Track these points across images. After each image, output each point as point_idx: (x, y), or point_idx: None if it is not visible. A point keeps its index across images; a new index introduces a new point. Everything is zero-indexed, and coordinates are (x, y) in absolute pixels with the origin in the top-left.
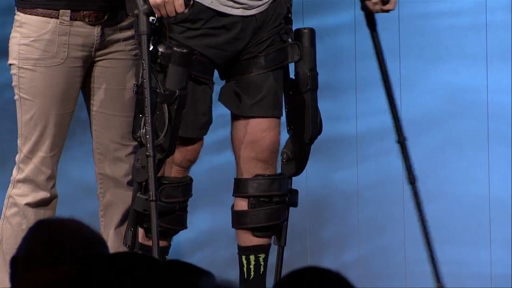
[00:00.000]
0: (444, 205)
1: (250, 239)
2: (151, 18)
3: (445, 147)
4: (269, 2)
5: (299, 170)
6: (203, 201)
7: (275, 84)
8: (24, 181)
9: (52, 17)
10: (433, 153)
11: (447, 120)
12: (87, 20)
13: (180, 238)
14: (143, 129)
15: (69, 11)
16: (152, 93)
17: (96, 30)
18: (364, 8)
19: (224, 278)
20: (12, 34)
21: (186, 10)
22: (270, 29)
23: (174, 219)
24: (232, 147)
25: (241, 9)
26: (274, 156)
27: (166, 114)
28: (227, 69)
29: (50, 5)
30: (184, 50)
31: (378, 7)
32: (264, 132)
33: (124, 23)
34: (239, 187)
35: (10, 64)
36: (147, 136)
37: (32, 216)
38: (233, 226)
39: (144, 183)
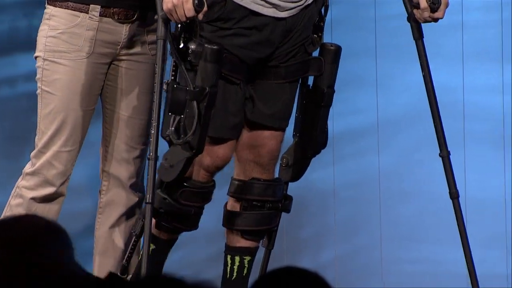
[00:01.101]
0: (421, 204)
1: (238, 240)
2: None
3: (422, 147)
4: (301, 7)
5: (297, 177)
6: None
7: (290, 96)
8: (33, 174)
9: (82, 11)
10: (410, 152)
11: (424, 120)
12: (116, 18)
13: None
14: (172, 128)
15: (99, 6)
16: (182, 92)
17: (124, 29)
18: (411, 18)
19: (203, 279)
20: (41, 27)
21: (201, 16)
22: (297, 38)
23: (187, 220)
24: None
25: (272, 10)
26: (273, 162)
27: (196, 111)
28: (250, 72)
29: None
30: (215, 47)
31: (426, 14)
32: (265, 139)
33: (152, 26)
34: (234, 187)
35: (36, 57)
36: (151, 139)
37: (36, 211)
38: (223, 225)
39: (165, 182)
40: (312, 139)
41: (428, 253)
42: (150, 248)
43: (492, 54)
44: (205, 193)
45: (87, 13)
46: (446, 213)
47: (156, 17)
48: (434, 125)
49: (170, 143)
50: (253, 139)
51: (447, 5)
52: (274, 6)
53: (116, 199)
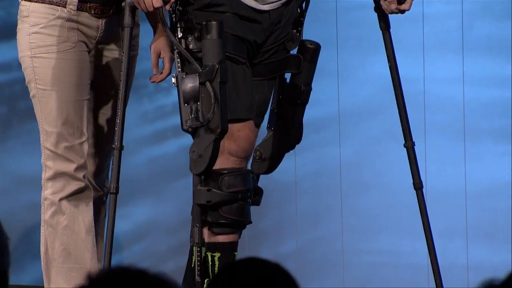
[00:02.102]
0: (381, 195)
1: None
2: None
3: (383, 138)
4: (282, 1)
5: (269, 170)
6: (141, 193)
7: (267, 93)
8: (54, 177)
9: (59, 5)
10: (371, 143)
11: (384, 111)
12: (92, 12)
13: (118, 230)
14: (192, 115)
15: (76, 0)
16: (192, 79)
17: (100, 23)
18: (378, 8)
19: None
20: (19, 26)
21: (167, 7)
22: (279, 37)
23: (238, 209)
24: None
25: (254, 2)
26: (246, 153)
27: (211, 91)
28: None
29: None
30: (214, 22)
31: (393, 6)
32: (239, 131)
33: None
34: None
35: (21, 58)
36: (116, 129)
37: (70, 211)
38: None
39: (202, 175)
40: (288, 135)
41: (389, 244)
42: (216, 257)
43: (453, 45)
44: (243, 174)
45: (65, 7)
46: (406, 204)
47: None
48: (400, 116)
49: (194, 132)
50: (231, 134)
51: None
52: None
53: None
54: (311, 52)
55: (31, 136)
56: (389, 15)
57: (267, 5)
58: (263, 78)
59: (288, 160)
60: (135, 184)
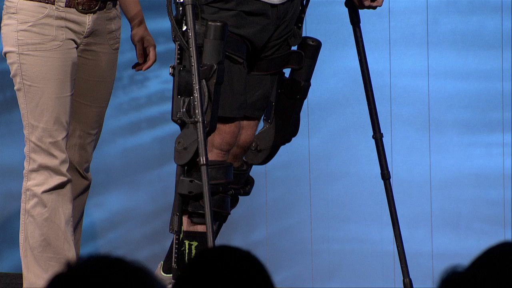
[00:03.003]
0: (349, 184)
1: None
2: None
3: (350, 129)
4: None
5: (265, 161)
6: (116, 182)
7: (269, 88)
8: (38, 169)
9: (48, 3)
10: (338, 134)
11: (352, 103)
12: (80, 8)
13: (94, 218)
14: (183, 109)
15: None
16: (189, 73)
17: (88, 19)
18: (349, 4)
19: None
20: (6, 22)
21: None
22: (283, 32)
23: (219, 201)
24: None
25: None
26: (243, 151)
27: (206, 90)
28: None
29: None
30: (219, 23)
31: (367, 3)
32: (242, 129)
33: (111, 15)
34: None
35: (7, 53)
36: (195, 103)
37: (52, 203)
38: None
39: (186, 166)
40: (285, 129)
41: (356, 232)
42: (193, 245)
43: (418, 39)
44: (226, 168)
45: (53, 4)
46: (373, 193)
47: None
48: (369, 108)
49: (182, 125)
50: (216, 128)
51: None
52: None
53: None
54: (313, 49)
55: (9, 127)
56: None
57: None
58: (266, 73)
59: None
60: (110, 173)
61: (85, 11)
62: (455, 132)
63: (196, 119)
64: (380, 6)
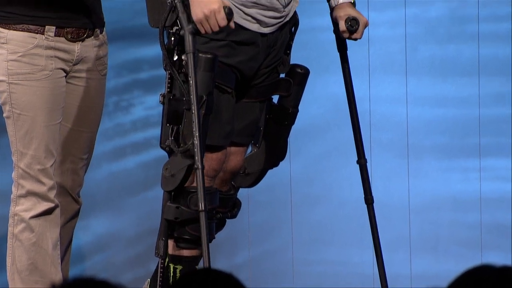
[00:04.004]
0: (330, 208)
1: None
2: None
3: (331, 154)
4: (280, 24)
5: (253, 185)
6: (101, 206)
7: (258, 115)
8: (26, 195)
9: (37, 33)
10: (320, 159)
11: (333, 129)
12: (69, 37)
13: (80, 241)
14: (171, 137)
15: (54, 27)
16: (178, 102)
17: (77, 47)
18: (336, 31)
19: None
20: None
21: (232, 24)
22: (273, 60)
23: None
24: None
25: (257, 25)
26: (232, 177)
27: (200, 125)
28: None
29: (36, 21)
30: (210, 56)
31: (346, 35)
32: (231, 155)
33: (98, 42)
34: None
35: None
36: (196, 150)
37: (39, 229)
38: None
39: (173, 192)
40: (273, 153)
41: (337, 255)
42: (178, 269)
43: (397, 67)
44: (211, 194)
45: (43, 34)
46: (354, 217)
47: (152, 25)
48: (354, 134)
49: (170, 153)
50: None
51: (366, 25)
52: (258, 22)
53: (61, 206)
54: (300, 76)
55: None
56: None
57: (267, 28)
58: (255, 100)
59: None
60: (95, 198)
61: (74, 40)
62: (433, 157)
63: (182, 149)
64: (359, 38)
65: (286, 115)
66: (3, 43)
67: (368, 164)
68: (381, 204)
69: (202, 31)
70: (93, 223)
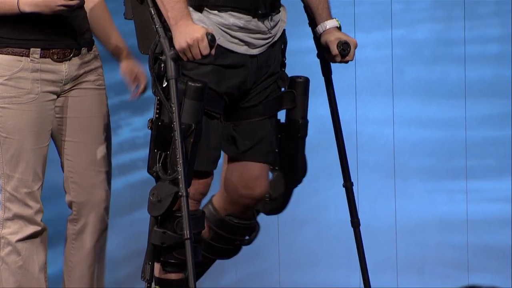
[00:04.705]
0: (317, 230)
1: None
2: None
3: (318, 176)
4: (269, 44)
5: (280, 209)
6: None
7: (271, 130)
8: (13, 218)
9: (22, 56)
10: (306, 181)
11: (319, 150)
12: (55, 58)
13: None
14: (159, 164)
15: (39, 49)
16: (167, 129)
17: (64, 67)
18: (321, 55)
19: None
20: None
21: (213, 52)
22: (268, 76)
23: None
24: (222, 181)
25: (245, 47)
26: (257, 203)
27: (184, 151)
28: (228, 111)
29: (21, 44)
30: (199, 85)
31: (338, 59)
32: (256, 181)
33: (86, 59)
34: (210, 215)
35: None
36: (179, 177)
37: (26, 252)
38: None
39: (159, 217)
40: (294, 170)
41: (323, 276)
42: None
43: (383, 88)
44: (197, 219)
45: (28, 56)
46: (340, 239)
47: (142, 52)
48: (340, 157)
49: (157, 178)
50: (244, 181)
51: (356, 46)
52: (247, 44)
53: (89, 225)
54: (302, 85)
55: None
56: None
57: (256, 49)
58: (264, 117)
59: None
60: None
61: (60, 60)
62: (420, 178)
63: (171, 177)
64: (351, 60)
65: (297, 127)
66: None
67: (354, 185)
68: (367, 225)
69: (185, 59)
70: None
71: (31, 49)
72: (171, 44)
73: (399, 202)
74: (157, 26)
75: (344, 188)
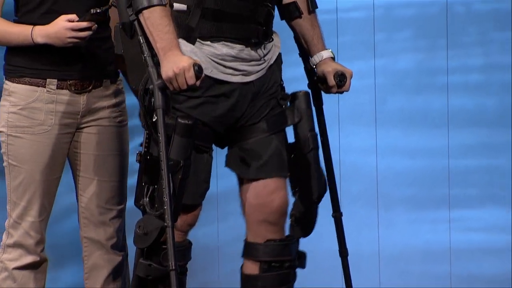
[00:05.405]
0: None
1: None
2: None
3: None
4: (266, 68)
5: (308, 231)
6: (70, 257)
7: (279, 145)
8: (13, 245)
9: (39, 86)
10: None
11: None
12: (73, 89)
13: None
14: (146, 198)
15: (55, 80)
16: (155, 163)
17: (82, 99)
18: (312, 86)
19: None
20: (2, 103)
21: (198, 82)
22: (267, 95)
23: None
24: (242, 210)
25: (240, 76)
26: (283, 218)
27: (170, 183)
28: (228, 136)
29: (37, 74)
30: (189, 122)
31: (334, 90)
32: (272, 194)
33: (109, 92)
34: (251, 250)
35: (0, 132)
36: (165, 207)
37: (22, 279)
38: None
39: (145, 249)
40: (313, 185)
41: None
42: None
43: (366, 118)
44: (184, 250)
45: (45, 87)
46: (323, 269)
47: (134, 86)
48: (329, 188)
49: (144, 212)
50: (259, 198)
51: (351, 77)
52: (242, 72)
53: (100, 262)
54: (304, 97)
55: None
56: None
57: (252, 75)
58: (269, 134)
59: (211, 226)
60: (64, 249)
61: (78, 92)
62: (403, 208)
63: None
64: (347, 91)
65: (307, 140)
66: (7, 95)
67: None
68: (351, 254)
69: (171, 88)
70: (61, 275)
71: (48, 79)
72: (159, 75)
73: (382, 231)
74: (145, 55)
75: (332, 218)
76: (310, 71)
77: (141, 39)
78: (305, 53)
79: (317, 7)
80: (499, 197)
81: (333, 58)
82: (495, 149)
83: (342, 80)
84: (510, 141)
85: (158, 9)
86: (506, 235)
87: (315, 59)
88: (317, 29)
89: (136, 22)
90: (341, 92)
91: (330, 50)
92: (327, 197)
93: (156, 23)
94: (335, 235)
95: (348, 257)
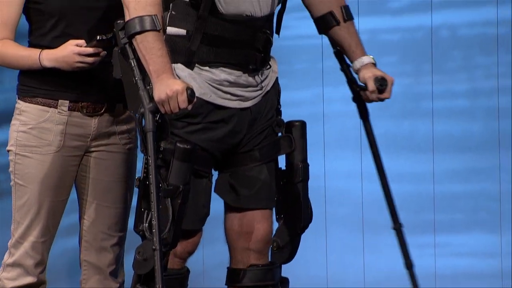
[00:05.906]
0: (297, 284)
1: None
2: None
3: None
4: (262, 94)
5: (289, 258)
6: (63, 281)
7: (269, 176)
8: (13, 265)
9: (51, 106)
10: None
11: None
12: (85, 112)
13: None
14: (145, 223)
15: (67, 101)
16: (157, 188)
17: (93, 122)
18: (357, 98)
19: None
20: (12, 122)
21: (190, 107)
22: (264, 122)
23: None
24: (226, 237)
25: (237, 101)
26: (267, 246)
27: (170, 208)
28: (223, 161)
29: (49, 95)
30: (188, 147)
31: (374, 95)
32: (258, 223)
33: (121, 117)
34: (234, 276)
35: (9, 151)
36: (154, 230)
37: None
38: None
39: (143, 275)
40: (299, 215)
41: None
42: None
43: (352, 143)
44: (182, 279)
45: (56, 108)
46: None
47: (131, 111)
48: (387, 201)
49: (143, 237)
50: (245, 226)
51: (393, 84)
52: (239, 97)
53: (97, 287)
54: (299, 128)
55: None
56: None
57: (249, 101)
58: (261, 163)
59: (197, 251)
60: (59, 270)
61: (90, 114)
62: (388, 232)
63: (154, 247)
64: (388, 98)
65: (297, 171)
66: (18, 114)
67: (323, 240)
68: (336, 279)
69: (163, 111)
70: None
71: (60, 100)
72: (150, 98)
73: (367, 256)
74: (136, 78)
75: (394, 231)
76: (351, 82)
77: (133, 62)
78: (347, 66)
79: (352, 18)
80: (485, 222)
81: (374, 64)
82: (481, 174)
83: (383, 84)
84: (496, 166)
85: (151, 34)
86: (493, 260)
87: (356, 65)
88: (355, 36)
89: (128, 46)
90: (382, 99)
91: (371, 56)
92: (315, 220)
93: (149, 47)
94: (319, 261)
95: (333, 282)
